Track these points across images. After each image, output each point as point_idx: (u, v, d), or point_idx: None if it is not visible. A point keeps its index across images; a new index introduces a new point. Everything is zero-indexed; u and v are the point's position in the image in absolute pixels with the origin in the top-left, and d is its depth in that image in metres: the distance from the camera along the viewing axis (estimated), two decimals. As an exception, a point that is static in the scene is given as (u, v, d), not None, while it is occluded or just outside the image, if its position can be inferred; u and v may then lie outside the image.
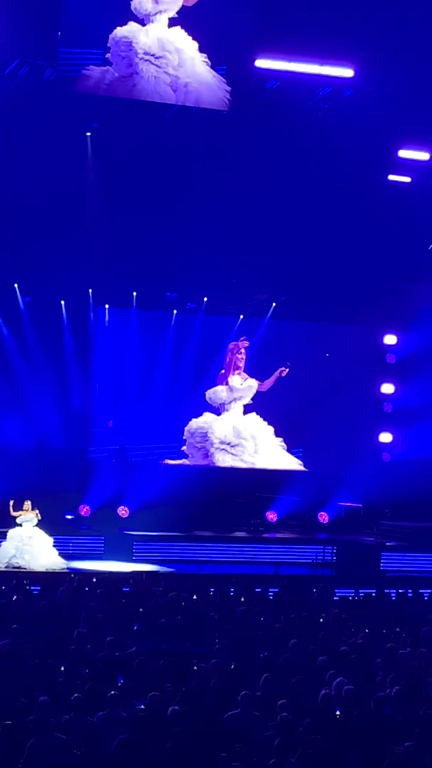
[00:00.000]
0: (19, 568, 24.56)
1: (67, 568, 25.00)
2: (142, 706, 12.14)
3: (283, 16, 28.36)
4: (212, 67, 29.24)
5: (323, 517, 32.79)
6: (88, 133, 30.77)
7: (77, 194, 30.49)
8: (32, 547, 25.12)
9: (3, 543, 25.31)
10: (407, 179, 32.00)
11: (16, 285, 31.46)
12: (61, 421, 31.13)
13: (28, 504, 25.62)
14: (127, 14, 28.84)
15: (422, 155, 31.54)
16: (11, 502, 25.48)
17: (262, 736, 11.43)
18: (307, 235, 31.19)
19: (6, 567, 24.70)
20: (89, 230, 30.46)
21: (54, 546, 25.54)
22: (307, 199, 30.72)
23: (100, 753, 10.79)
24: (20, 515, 25.42)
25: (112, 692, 12.27)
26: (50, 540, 25.52)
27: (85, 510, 30.83)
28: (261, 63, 29.05)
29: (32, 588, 20.02)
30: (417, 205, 31.82)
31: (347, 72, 29.39)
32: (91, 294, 32.44)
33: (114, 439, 32.28)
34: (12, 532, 25.31)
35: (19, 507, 25.51)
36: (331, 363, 33.91)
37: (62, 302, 32.24)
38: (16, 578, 20.64)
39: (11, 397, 30.81)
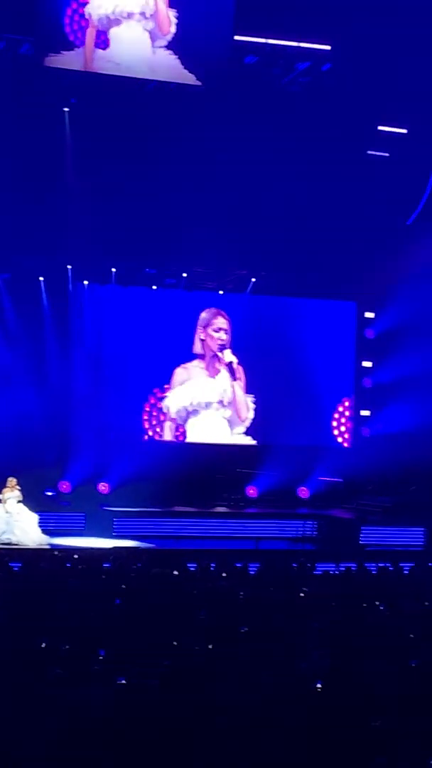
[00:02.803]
0: (9, 544, 24.59)
1: (49, 545, 25.06)
2: (123, 681, 12.14)
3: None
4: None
5: (304, 492, 32.89)
6: (66, 109, 30.65)
7: (56, 171, 30.40)
8: (21, 522, 25.15)
9: None
10: (386, 155, 32.03)
11: (-7, 262, 31.35)
12: (39, 398, 31.03)
13: (13, 481, 25.64)
14: None
15: (400, 130, 31.62)
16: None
17: (245, 710, 11.43)
18: (287, 211, 31.17)
19: None
20: (68, 207, 30.34)
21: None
22: (286, 175, 30.69)
23: (81, 728, 10.77)
24: (5, 492, 25.46)
25: (95, 667, 12.29)
26: (36, 517, 25.57)
27: (65, 486, 30.89)
28: (239, 37, 28.97)
29: (12, 564, 19.98)
30: (395, 181, 31.86)
31: (324, 47, 29.33)
32: (70, 270, 32.33)
33: (93, 415, 32.19)
34: None
35: (2, 485, 25.56)
36: (310, 338, 33.92)
37: (41, 279, 32.12)
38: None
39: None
